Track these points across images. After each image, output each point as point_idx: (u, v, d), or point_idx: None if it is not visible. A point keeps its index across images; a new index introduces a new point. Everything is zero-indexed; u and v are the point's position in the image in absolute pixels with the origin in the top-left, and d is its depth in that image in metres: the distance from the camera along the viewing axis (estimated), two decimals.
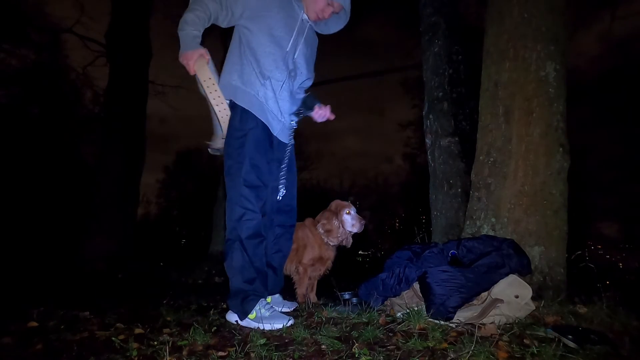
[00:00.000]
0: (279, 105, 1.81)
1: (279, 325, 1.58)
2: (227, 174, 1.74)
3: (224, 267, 1.73)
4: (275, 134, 1.82)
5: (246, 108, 1.72)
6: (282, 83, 1.79)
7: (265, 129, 1.77)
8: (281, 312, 1.82)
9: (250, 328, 1.61)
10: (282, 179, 1.87)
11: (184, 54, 1.66)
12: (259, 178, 1.72)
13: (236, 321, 1.69)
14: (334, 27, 1.98)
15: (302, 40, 1.83)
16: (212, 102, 1.72)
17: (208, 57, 1.69)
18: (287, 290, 2.42)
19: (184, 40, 1.67)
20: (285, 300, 2.07)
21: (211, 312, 1.93)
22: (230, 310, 1.74)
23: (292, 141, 1.93)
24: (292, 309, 1.98)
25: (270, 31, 1.74)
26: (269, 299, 1.95)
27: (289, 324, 1.59)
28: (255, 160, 1.71)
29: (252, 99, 1.74)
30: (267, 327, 1.58)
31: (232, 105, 1.77)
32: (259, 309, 1.66)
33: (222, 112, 1.75)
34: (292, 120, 1.91)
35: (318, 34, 2.00)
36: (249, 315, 1.65)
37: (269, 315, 1.65)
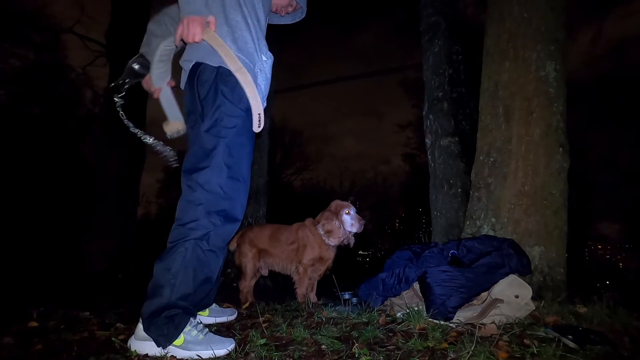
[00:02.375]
0: (264, 89, 1.50)
1: (220, 352, 1.27)
2: (209, 154, 1.36)
3: (155, 269, 1.34)
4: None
5: (241, 83, 1.39)
6: (271, 61, 1.53)
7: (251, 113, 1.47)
8: (225, 320, 1.71)
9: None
10: None
11: (189, 18, 1.32)
12: (246, 171, 1.44)
13: (147, 354, 1.28)
14: (278, 21, 1.81)
15: None
16: (232, 68, 1.39)
17: (214, 27, 1.39)
18: (287, 290, 2.43)
19: (193, 3, 1.33)
20: (224, 308, 1.92)
21: None
22: (138, 336, 1.32)
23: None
24: (233, 317, 1.83)
25: (262, 4, 1.51)
26: (206, 312, 1.74)
27: (231, 348, 1.30)
28: (247, 148, 1.44)
29: (250, 71, 1.42)
30: (205, 354, 1.27)
31: (220, 72, 1.40)
32: (189, 330, 1.31)
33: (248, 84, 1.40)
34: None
35: None
36: (175, 341, 1.28)
37: (202, 339, 1.30)
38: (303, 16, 1.83)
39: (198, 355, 1.27)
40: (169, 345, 1.28)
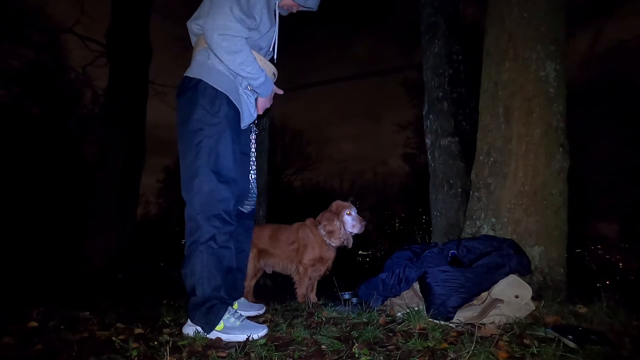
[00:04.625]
0: (250, 96, 1.66)
1: (255, 336, 1.46)
2: (194, 165, 1.51)
3: (183, 275, 1.53)
4: (242, 126, 1.67)
5: (222, 91, 1.55)
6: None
7: (238, 117, 1.62)
8: (250, 316, 1.77)
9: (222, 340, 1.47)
10: (252, 172, 1.77)
11: (272, 94, 1.68)
12: (234, 172, 1.57)
13: (197, 332, 1.50)
14: (304, 3, 1.73)
15: (276, 28, 1.68)
16: (215, 84, 1.58)
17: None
18: (287, 291, 2.43)
19: (270, 82, 1.64)
20: (252, 303, 2.02)
21: None
22: (188, 323, 1.55)
23: (256, 131, 1.82)
24: (261, 312, 1.93)
25: (258, 27, 1.58)
26: (235, 304, 1.84)
27: (263, 334, 1.48)
28: (231, 152, 1.55)
29: (230, 83, 1.57)
30: (241, 338, 1.44)
31: (200, 86, 1.54)
32: (228, 318, 1.50)
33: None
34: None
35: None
36: (217, 327, 1.48)
37: (239, 325, 1.50)
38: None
39: (235, 339, 1.45)
40: (212, 330, 1.48)
